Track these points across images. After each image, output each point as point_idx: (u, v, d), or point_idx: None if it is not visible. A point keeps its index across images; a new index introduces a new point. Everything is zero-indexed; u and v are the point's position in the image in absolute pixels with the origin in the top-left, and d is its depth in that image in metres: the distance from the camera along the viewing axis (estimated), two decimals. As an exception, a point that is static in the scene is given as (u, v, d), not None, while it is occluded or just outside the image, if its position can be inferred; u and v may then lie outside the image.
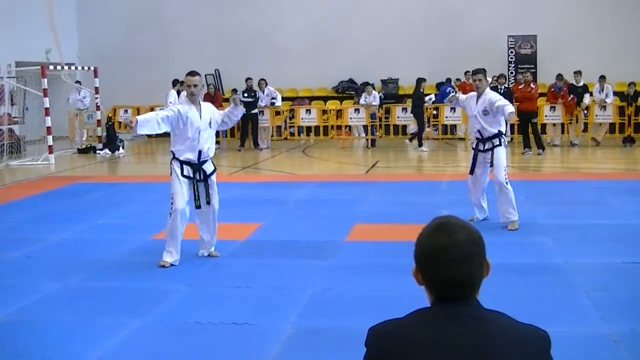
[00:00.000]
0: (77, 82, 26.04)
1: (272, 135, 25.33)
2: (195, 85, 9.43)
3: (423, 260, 2.61)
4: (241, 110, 10.00)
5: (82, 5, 30.65)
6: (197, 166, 9.42)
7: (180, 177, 9.31)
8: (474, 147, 11.38)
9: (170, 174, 9.40)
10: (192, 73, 9.52)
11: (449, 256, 2.54)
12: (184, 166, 9.36)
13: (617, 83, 24.70)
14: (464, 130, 24.69)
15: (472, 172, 11.29)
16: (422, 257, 2.62)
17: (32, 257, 9.93)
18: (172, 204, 9.24)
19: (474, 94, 11.23)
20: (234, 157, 22.75)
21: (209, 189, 9.57)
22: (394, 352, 2.53)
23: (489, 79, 22.89)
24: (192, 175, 9.38)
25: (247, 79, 24.35)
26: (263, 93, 24.65)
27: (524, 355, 2.47)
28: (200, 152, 9.40)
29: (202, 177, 9.49)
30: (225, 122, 9.95)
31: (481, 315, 2.55)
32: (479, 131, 11.11)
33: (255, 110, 24.23)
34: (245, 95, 24.21)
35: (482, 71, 10.95)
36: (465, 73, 24.86)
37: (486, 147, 11.07)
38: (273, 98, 24.78)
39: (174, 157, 9.39)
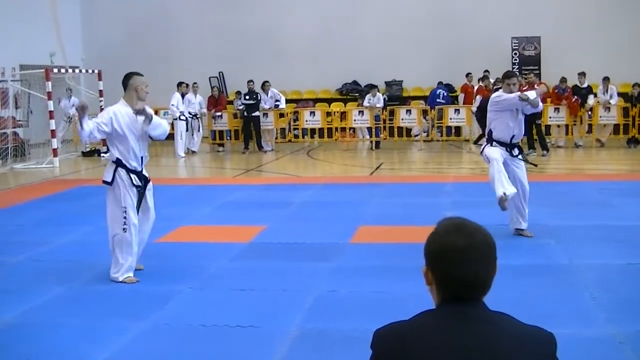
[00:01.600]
0: (68, 89, 25.55)
1: (276, 138, 25.33)
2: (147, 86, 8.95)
3: (438, 259, 2.61)
4: (150, 122, 8.71)
5: (86, 8, 30.69)
6: (140, 174, 8.81)
7: (130, 188, 8.69)
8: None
9: (111, 183, 8.65)
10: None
11: (466, 257, 2.55)
12: (131, 175, 8.70)
13: (621, 84, 24.69)
14: (468, 132, 24.72)
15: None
16: (437, 255, 2.61)
17: (37, 260, 9.93)
18: (125, 218, 8.61)
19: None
20: (237, 159, 22.76)
21: (149, 196, 9.00)
22: (400, 354, 2.52)
23: (491, 80, 22.97)
24: (140, 184, 8.77)
25: (249, 81, 24.35)
26: (267, 95, 24.65)
27: (530, 357, 2.47)
28: (142, 158, 8.86)
29: (143, 185, 8.87)
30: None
31: (487, 317, 2.55)
32: (512, 137, 10.56)
33: (257, 113, 24.23)
34: (247, 97, 24.24)
35: (517, 74, 10.71)
36: (467, 75, 24.91)
37: (515, 154, 10.60)
38: (277, 100, 24.75)
39: (120, 165, 8.68)
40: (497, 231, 10.91)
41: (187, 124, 23.84)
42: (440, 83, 25.94)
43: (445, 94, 25.05)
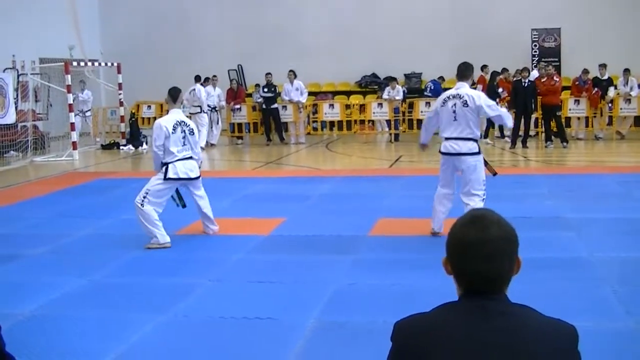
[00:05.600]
0: (82, 81, 25.57)
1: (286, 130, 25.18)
2: None
3: (453, 251, 2.60)
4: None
5: (105, 1, 30.75)
6: None
7: None
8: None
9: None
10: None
11: (480, 251, 2.52)
12: None
13: (642, 76, 24.54)
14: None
15: None
16: (453, 248, 2.60)
17: (57, 252, 9.98)
18: None
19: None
20: (256, 152, 22.77)
21: None
22: (420, 347, 2.51)
23: (511, 72, 22.90)
24: None
25: (267, 74, 24.31)
26: (292, 86, 24.59)
27: (552, 350, 2.45)
28: None
29: None
30: None
31: (508, 310, 2.53)
32: None
33: (275, 105, 24.21)
34: (265, 90, 24.18)
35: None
36: (483, 68, 24.72)
37: None
38: (302, 93, 24.57)
39: None
40: (518, 223, 10.76)
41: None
42: (441, 77, 25.81)
43: (432, 87, 24.88)
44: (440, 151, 10.10)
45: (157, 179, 10.22)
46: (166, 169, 10.15)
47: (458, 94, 9.81)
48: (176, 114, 10.40)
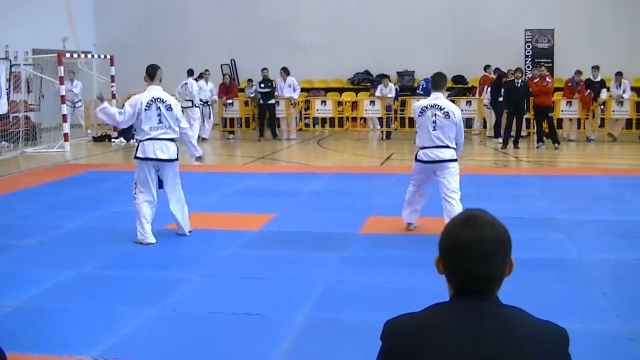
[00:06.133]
0: (71, 72, 25.01)
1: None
2: None
3: (446, 251, 2.59)
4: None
5: (99, -6, 30.70)
6: None
7: None
8: None
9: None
10: None
11: (472, 251, 2.51)
12: None
13: (635, 78, 24.56)
14: (479, 123, 24.64)
15: None
16: (445, 247, 2.59)
17: (47, 244, 9.95)
18: None
19: None
20: (248, 147, 22.74)
21: None
22: (411, 347, 2.50)
23: (505, 72, 22.87)
24: None
25: (263, 69, 24.22)
26: (284, 82, 24.58)
27: (545, 352, 2.45)
28: None
29: None
30: None
31: (500, 311, 2.53)
32: None
33: (272, 101, 24.16)
34: (262, 85, 24.13)
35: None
36: (486, 67, 24.71)
37: None
38: (294, 89, 24.55)
39: None
40: (509, 224, 10.70)
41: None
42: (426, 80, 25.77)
43: (424, 86, 24.80)
44: (418, 159, 10.09)
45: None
46: (137, 148, 10.01)
47: (437, 104, 9.85)
48: (153, 91, 9.97)
